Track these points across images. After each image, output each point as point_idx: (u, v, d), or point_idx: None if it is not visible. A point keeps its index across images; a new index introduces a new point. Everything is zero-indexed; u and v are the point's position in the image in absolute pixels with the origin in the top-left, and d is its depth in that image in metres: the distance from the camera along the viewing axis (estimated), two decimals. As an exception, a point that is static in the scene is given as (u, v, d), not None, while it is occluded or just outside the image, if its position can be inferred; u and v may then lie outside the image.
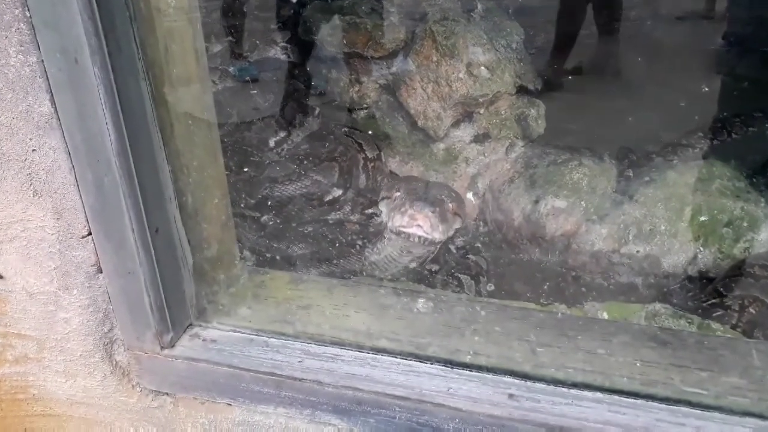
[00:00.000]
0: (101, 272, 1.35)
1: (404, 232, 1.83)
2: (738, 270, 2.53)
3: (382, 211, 2.12)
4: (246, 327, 1.45)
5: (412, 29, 3.04)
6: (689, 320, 1.62)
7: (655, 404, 1.27)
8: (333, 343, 1.40)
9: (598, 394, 1.29)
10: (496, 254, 2.84)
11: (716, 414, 1.24)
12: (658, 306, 1.67)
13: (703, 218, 2.71)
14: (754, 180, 2.85)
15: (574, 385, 1.31)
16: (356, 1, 3.14)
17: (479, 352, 1.36)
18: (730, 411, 1.24)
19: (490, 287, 2.23)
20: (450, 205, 1.94)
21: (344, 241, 2.31)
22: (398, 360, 1.36)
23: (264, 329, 1.44)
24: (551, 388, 1.30)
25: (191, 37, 1.38)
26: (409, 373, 1.33)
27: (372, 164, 2.69)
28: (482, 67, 2.95)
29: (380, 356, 1.37)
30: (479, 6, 3.13)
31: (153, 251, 1.32)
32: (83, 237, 1.31)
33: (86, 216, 1.29)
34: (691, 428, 1.22)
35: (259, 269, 1.62)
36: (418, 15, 3.06)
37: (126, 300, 1.36)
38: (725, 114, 3.27)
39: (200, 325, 1.46)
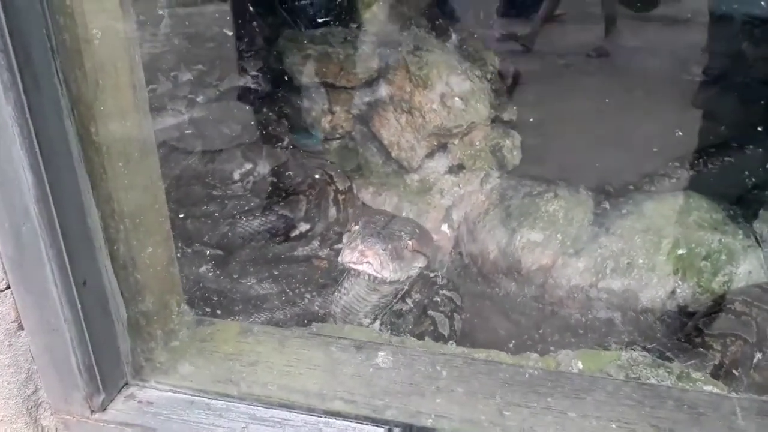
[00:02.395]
0: (23, 329, 1.19)
1: (353, 269, 1.71)
2: (718, 306, 2.41)
3: (342, 244, 1.99)
4: (187, 387, 1.29)
5: (386, 59, 2.94)
6: (668, 369, 1.49)
7: (632, 473, 1.13)
8: (281, 406, 1.24)
9: (571, 462, 1.15)
10: (472, 288, 2.70)
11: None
12: (635, 354, 1.53)
13: (681, 251, 2.60)
14: (731, 212, 2.75)
15: (545, 452, 1.16)
16: (329, 30, 3.03)
17: (442, 414, 1.21)
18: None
19: (461, 327, 2.09)
20: (409, 242, 1.80)
21: (310, 279, 2.16)
22: (353, 425, 1.21)
23: (206, 390, 1.28)
24: (519, 455, 1.16)
25: (128, 70, 1.24)
26: (364, 440, 1.18)
27: (343, 197, 2.55)
28: (456, 98, 2.85)
29: (333, 420, 1.22)
30: (454, 36, 3.04)
31: (80, 305, 1.17)
32: (1, 291, 1.16)
33: (3, 268, 1.14)
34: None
35: (205, 319, 1.46)
36: (392, 44, 2.96)
37: (51, 359, 1.20)
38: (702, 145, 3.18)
39: (137, 385, 1.30)
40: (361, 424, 1.21)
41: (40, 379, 1.24)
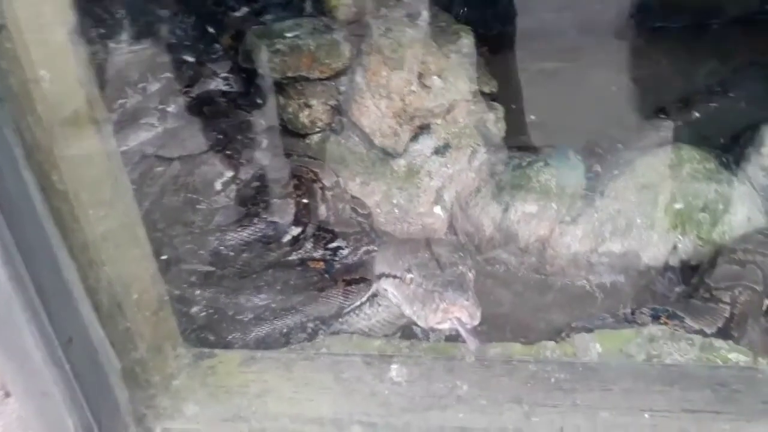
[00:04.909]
0: (9, 396, 1.09)
1: (439, 329, 1.48)
2: (720, 257, 2.34)
3: (386, 290, 1.76)
4: (195, 430, 1.20)
5: (358, 45, 2.79)
6: (690, 342, 1.41)
7: (672, 463, 1.06)
8: (297, 438, 1.16)
9: (607, 460, 1.07)
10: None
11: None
12: (653, 329, 1.46)
13: (678, 205, 2.52)
14: (724, 159, 2.67)
15: (579, 453, 1.09)
16: (296, 22, 2.88)
17: (466, 427, 1.13)
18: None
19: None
20: (471, 273, 1.63)
21: (308, 282, 2.06)
22: (374, 449, 1.12)
23: (216, 431, 1.19)
24: (552, 459, 1.08)
25: (85, 105, 1.11)
26: (389, 465, 1.09)
27: (331, 192, 2.44)
28: (434, 77, 2.72)
29: (354, 447, 1.13)
30: (424, 13, 2.89)
31: (68, 365, 1.06)
32: (-20, 361, 1.05)
33: (-21, 337, 1.03)
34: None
35: (205, 351, 1.36)
36: (362, 29, 2.81)
37: (45, 423, 1.10)
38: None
39: (142, 435, 1.21)
40: (384, 447, 1.12)
41: (37, 444, 1.14)
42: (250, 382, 1.28)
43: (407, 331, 1.78)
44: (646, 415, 1.11)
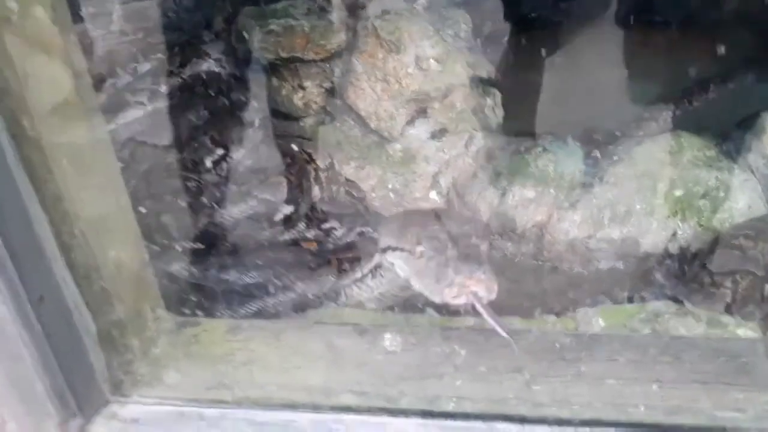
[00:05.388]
0: (-24, 358, 1.01)
1: (454, 305, 1.34)
2: (721, 243, 2.29)
3: (393, 264, 1.62)
4: (175, 398, 1.11)
5: (353, 27, 2.73)
6: (696, 317, 1.34)
7: (683, 436, 0.99)
8: (284, 406, 1.08)
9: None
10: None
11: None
12: (658, 304, 1.39)
13: (678, 192, 2.47)
14: (724, 147, 2.62)
15: (583, 424, 1.01)
16: (291, 3, 2.81)
17: (464, 396, 1.06)
18: (774, 434, 0.97)
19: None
20: (484, 245, 1.52)
21: (301, 262, 1.99)
22: (365, 418, 1.05)
23: (198, 398, 1.11)
24: (555, 430, 1.01)
25: (62, 53, 1.03)
26: (381, 435, 1.02)
27: (325, 174, 2.37)
28: (431, 60, 2.66)
29: (343, 415, 1.05)
30: (421, -4, 2.84)
31: (38, 325, 0.98)
32: (-57, 319, 0.97)
33: (-58, 292, 0.95)
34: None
35: (189, 320, 1.28)
36: (358, 11, 2.75)
37: (15, 388, 1.02)
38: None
39: (118, 402, 1.12)
40: (375, 416, 1.05)
41: (7, 411, 1.06)
42: (236, 351, 1.20)
43: (408, 303, 1.69)
44: (655, 386, 1.05)
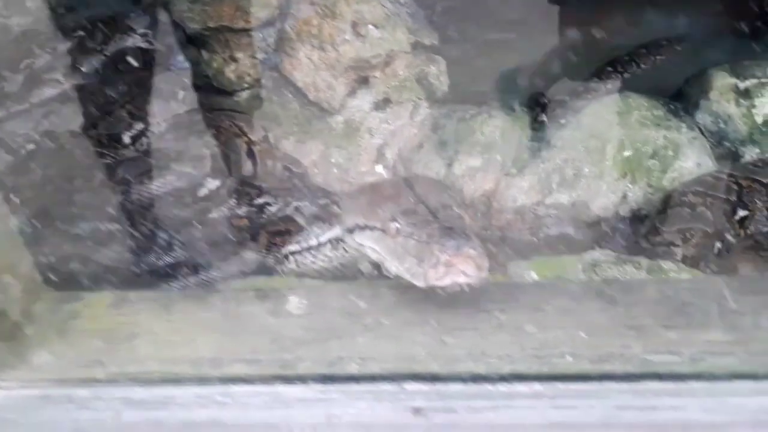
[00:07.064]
0: None
1: (440, 286, 1.14)
2: (671, 201, 2.21)
3: (363, 245, 1.44)
4: (41, 380, 0.96)
5: (286, -9, 2.57)
6: (636, 264, 1.23)
7: (613, 385, 0.86)
8: (165, 382, 0.93)
9: (536, 386, 0.87)
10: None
11: (696, 384, 0.84)
12: (596, 254, 1.27)
13: (627, 153, 2.38)
14: (672, 107, 2.55)
15: (502, 379, 0.88)
16: (216, -32, 2.63)
17: (369, 357, 0.92)
18: (713, 377, 0.85)
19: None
20: (467, 214, 1.32)
21: (229, 240, 1.84)
22: (257, 389, 0.90)
23: (67, 378, 0.95)
24: (471, 388, 0.88)
25: None
26: (274, 405, 0.87)
27: (258, 147, 2.21)
28: (370, 26, 2.51)
29: (232, 387, 0.91)
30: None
31: None
32: None
33: None
34: (667, 409, 0.82)
35: (70, 294, 1.12)
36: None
37: None
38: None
39: (-25, 387, 0.96)
40: (269, 385, 0.90)
41: None
42: (120, 326, 1.05)
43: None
44: (582, 334, 0.92)
